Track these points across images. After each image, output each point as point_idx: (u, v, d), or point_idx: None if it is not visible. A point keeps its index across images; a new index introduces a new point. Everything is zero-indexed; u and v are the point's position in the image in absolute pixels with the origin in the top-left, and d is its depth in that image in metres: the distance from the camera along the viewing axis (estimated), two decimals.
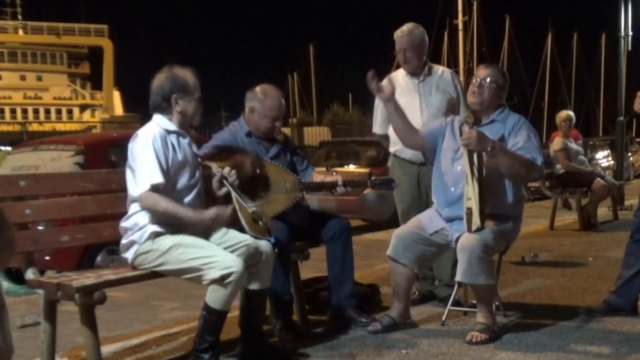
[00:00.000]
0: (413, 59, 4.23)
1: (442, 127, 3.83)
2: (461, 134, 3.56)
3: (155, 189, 3.03)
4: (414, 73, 4.27)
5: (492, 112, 3.73)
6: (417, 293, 4.40)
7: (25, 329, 4.00)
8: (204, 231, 3.22)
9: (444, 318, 3.88)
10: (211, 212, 3.07)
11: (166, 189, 3.09)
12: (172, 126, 3.20)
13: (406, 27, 4.26)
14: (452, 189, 3.67)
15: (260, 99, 3.76)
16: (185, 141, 3.24)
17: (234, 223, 3.26)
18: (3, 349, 1.58)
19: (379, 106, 4.43)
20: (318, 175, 3.96)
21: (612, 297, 3.97)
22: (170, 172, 3.12)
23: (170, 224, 3.10)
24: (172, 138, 3.18)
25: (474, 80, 3.71)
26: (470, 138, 3.46)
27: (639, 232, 3.89)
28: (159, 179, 3.04)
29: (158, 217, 3.09)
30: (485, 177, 3.50)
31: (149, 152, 3.06)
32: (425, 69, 4.28)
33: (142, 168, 3.06)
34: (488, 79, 3.68)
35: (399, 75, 4.35)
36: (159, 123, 3.19)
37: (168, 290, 4.86)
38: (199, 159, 3.34)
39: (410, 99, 4.23)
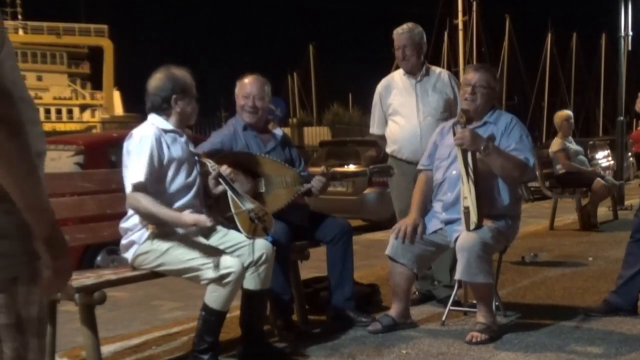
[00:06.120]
0: (412, 57, 4.24)
1: (434, 143, 3.86)
2: (454, 135, 3.56)
3: (137, 188, 3.02)
4: (411, 72, 4.29)
5: (484, 114, 3.74)
6: (417, 293, 4.40)
7: None
8: (203, 233, 3.22)
9: (444, 318, 3.88)
10: (192, 217, 3.03)
11: (161, 189, 3.08)
12: (169, 125, 3.20)
13: (406, 25, 4.29)
14: (449, 193, 3.68)
15: (239, 83, 3.88)
16: (182, 140, 3.24)
17: (229, 223, 3.25)
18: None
19: (376, 106, 4.45)
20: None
21: (612, 297, 3.96)
22: (166, 172, 3.11)
23: (167, 225, 3.10)
24: (168, 137, 3.17)
25: (466, 86, 3.71)
26: (464, 137, 3.47)
27: (639, 231, 3.89)
28: (139, 177, 3.02)
29: (143, 218, 3.09)
30: (480, 177, 3.50)
31: (141, 151, 3.05)
32: (422, 70, 4.30)
33: (129, 168, 3.07)
34: (479, 84, 3.68)
35: (397, 76, 4.38)
36: (154, 123, 3.19)
37: (168, 290, 4.86)
38: (196, 157, 3.33)
39: (407, 98, 4.26)
